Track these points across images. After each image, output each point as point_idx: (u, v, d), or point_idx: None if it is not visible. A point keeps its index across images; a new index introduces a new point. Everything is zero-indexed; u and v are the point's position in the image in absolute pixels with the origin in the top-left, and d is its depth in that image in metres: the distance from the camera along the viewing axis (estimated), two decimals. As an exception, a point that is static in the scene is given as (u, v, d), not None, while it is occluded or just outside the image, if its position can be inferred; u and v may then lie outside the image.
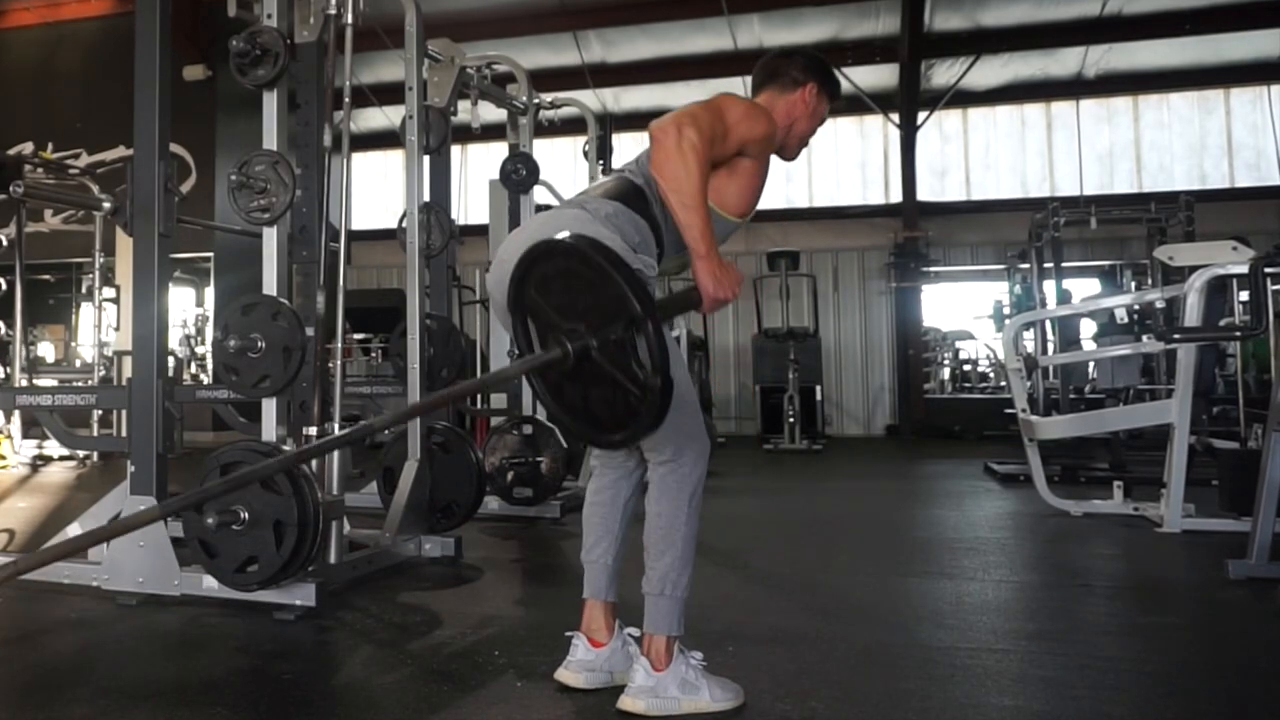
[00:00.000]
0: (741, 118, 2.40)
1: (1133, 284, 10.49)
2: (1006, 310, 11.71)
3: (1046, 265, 9.19)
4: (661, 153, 2.27)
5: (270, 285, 3.55)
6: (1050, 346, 8.88)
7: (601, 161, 6.17)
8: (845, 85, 13.05)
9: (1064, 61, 13.14)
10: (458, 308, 7.95)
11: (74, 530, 3.79)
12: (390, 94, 10.12)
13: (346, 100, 3.80)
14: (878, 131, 13.98)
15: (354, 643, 3.06)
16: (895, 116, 13.38)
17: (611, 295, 1.96)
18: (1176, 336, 4.69)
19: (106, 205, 3.92)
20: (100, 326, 9.71)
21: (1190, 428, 4.95)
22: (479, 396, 7.77)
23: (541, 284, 2.12)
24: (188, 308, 14.20)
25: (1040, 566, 4.34)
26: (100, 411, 8.89)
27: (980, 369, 14.23)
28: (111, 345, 9.80)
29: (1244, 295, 6.56)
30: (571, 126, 6.35)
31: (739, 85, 13.64)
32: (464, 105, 5.12)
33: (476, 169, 13.57)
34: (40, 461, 9.12)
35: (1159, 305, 5.98)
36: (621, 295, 1.95)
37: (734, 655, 2.75)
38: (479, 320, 8.68)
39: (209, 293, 12.95)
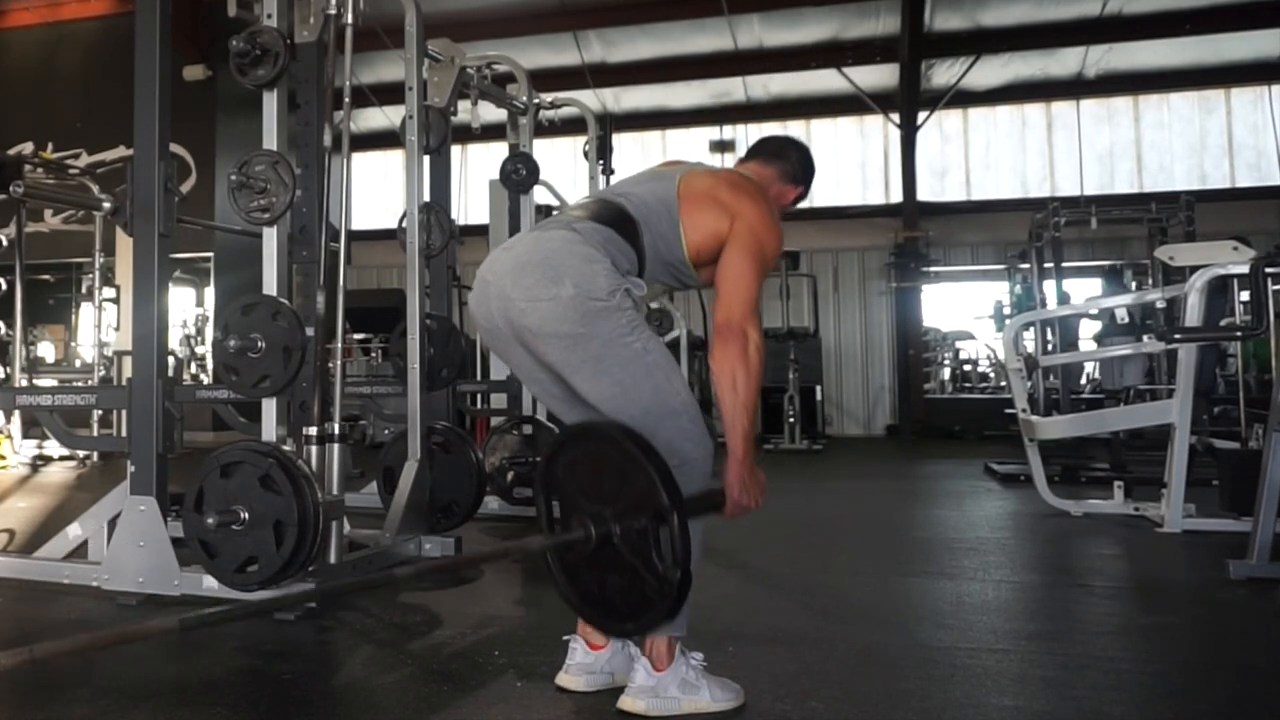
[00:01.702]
0: (775, 253, 2.45)
1: (1133, 284, 10.46)
2: (1007, 310, 11.69)
3: (1047, 265, 9.17)
4: (726, 354, 2.27)
5: (270, 285, 3.52)
6: (1051, 347, 8.86)
7: (601, 161, 6.15)
8: (845, 85, 13.16)
9: (1064, 61, 13.13)
10: (458, 308, 7.92)
11: (74, 531, 3.76)
12: (390, 94, 10.08)
13: (346, 100, 3.77)
14: (878, 131, 13.98)
15: (354, 643, 3.06)
16: (895, 116, 13.37)
17: (640, 484, 1.97)
18: (1177, 337, 4.69)
19: (106, 205, 3.90)
20: (100, 326, 9.67)
21: (1191, 428, 4.93)
22: (478, 396, 7.76)
23: (570, 465, 2.14)
24: (188, 308, 14.16)
25: (1040, 566, 4.34)
26: (100, 411, 8.86)
27: (980, 369, 14.20)
28: (111, 345, 9.77)
29: (1245, 295, 6.54)
30: (572, 126, 6.33)
31: (738, 85, 13.68)
32: (464, 105, 5.10)
33: (476, 169, 13.54)
34: (40, 461, 9.10)
35: (1160, 305, 5.96)
36: (650, 485, 1.95)
37: (734, 655, 2.74)
38: (479, 320, 8.65)
39: (209, 293, 12.91)
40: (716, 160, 14.08)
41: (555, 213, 3.68)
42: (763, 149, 2.75)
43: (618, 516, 2.02)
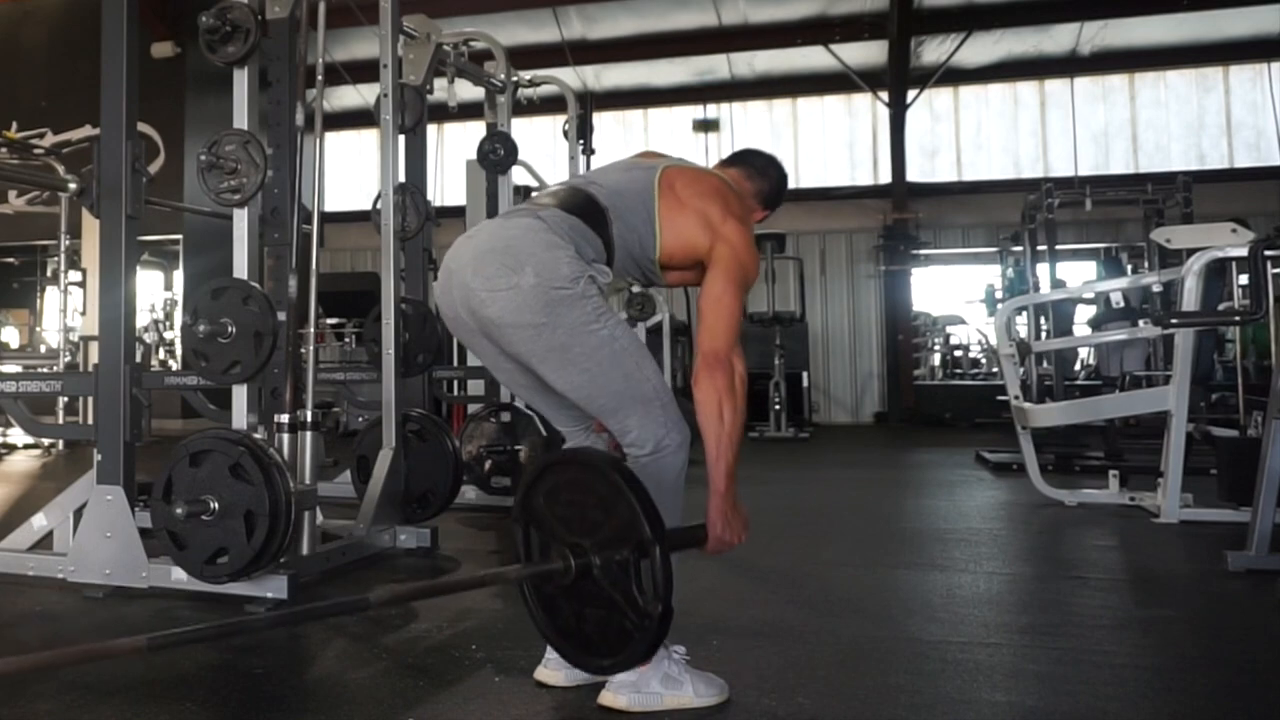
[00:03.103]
0: (754, 279, 2.46)
1: (1129, 267, 10.42)
2: (999, 294, 11.65)
3: (1040, 248, 9.11)
4: (714, 385, 2.26)
5: (241, 268, 3.49)
6: (1044, 332, 8.81)
7: (582, 141, 6.13)
8: (832, 62, 13.06)
9: (1058, 38, 13.03)
10: (434, 291, 7.76)
11: (39, 521, 3.72)
12: (365, 71, 9.94)
13: (319, 78, 3.76)
14: (866, 110, 13.86)
15: (326, 637, 3.02)
16: (884, 95, 13.24)
17: (622, 515, 1.95)
18: (1174, 321, 4.63)
19: (72, 186, 3.87)
20: (66, 311, 9.61)
21: (1188, 415, 4.89)
22: (454, 383, 7.69)
23: (551, 493, 2.12)
24: (156, 291, 14.03)
25: (1033, 558, 4.30)
26: (66, 398, 8.78)
27: (972, 355, 14.19)
28: (78, 330, 9.63)
29: (1243, 279, 6.49)
30: (551, 105, 6.28)
31: (723, 63, 13.59)
32: (440, 83, 5.11)
33: (453, 149, 13.36)
34: (4, 450, 9.03)
35: (1156, 289, 5.90)
36: (632, 516, 1.93)
37: (718, 649, 2.73)
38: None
39: (177, 276, 12.77)
40: (700, 141, 14.07)
41: (533, 194, 3.70)
42: (749, 161, 2.75)
43: (598, 548, 2.00)
